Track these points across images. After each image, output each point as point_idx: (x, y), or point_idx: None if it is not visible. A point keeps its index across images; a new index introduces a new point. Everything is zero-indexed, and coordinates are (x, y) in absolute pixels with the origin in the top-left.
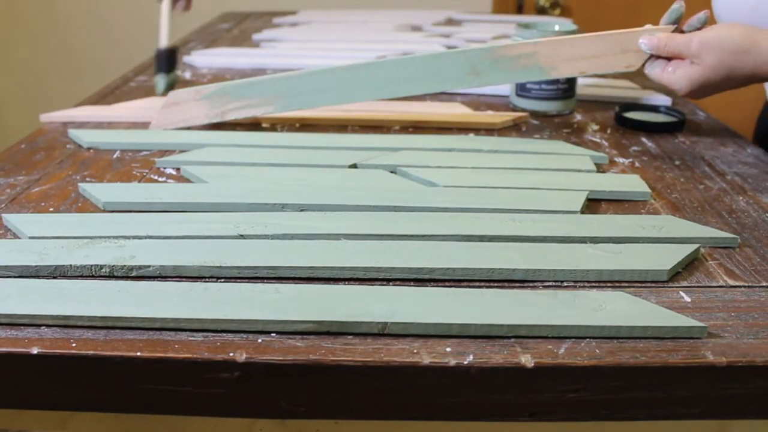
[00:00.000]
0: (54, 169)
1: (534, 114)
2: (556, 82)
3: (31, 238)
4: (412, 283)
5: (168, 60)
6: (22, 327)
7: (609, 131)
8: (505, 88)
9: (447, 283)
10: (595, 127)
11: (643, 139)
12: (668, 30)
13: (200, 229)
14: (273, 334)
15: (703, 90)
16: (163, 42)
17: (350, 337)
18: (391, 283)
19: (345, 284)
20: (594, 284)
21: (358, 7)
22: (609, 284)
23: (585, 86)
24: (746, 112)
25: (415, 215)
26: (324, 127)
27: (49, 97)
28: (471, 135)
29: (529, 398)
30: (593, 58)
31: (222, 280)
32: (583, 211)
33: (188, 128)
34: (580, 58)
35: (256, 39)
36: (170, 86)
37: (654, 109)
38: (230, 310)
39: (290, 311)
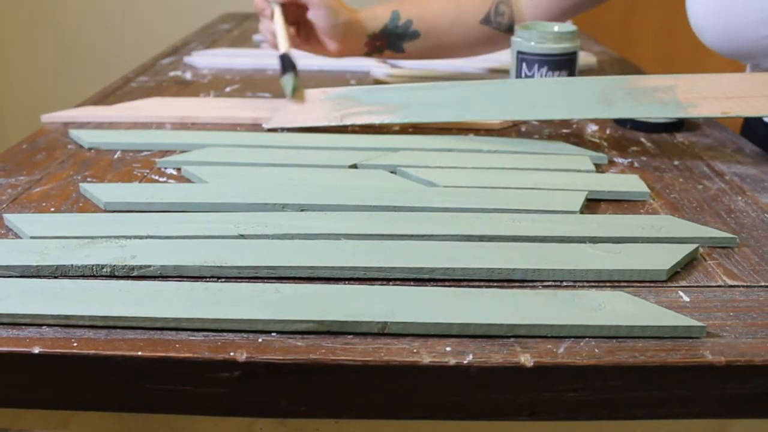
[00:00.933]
0: (55, 170)
1: None
2: None
3: (32, 238)
4: (412, 283)
5: (290, 61)
6: (23, 327)
7: (608, 131)
8: None
9: (447, 283)
10: (594, 128)
11: (642, 140)
12: None
13: (201, 229)
14: (273, 334)
15: None
16: (282, 47)
17: (350, 336)
18: (391, 283)
19: (345, 284)
20: (593, 284)
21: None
22: (608, 284)
23: None
24: None
25: (415, 215)
26: (324, 127)
27: (50, 98)
28: (471, 135)
29: (529, 397)
30: (739, 99)
31: (222, 279)
32: (582, 211)
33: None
34: (723, 97)
35: (256, 40)
36: (295, 87)
37: None
38: (231, 310)
39: (290, 311)
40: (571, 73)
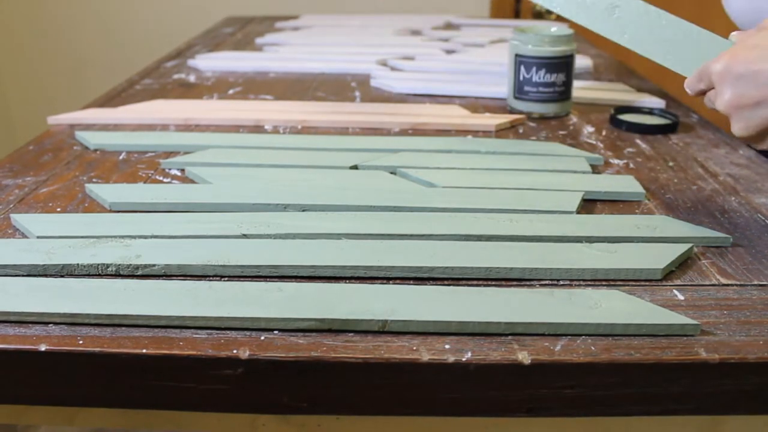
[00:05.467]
0: (61, 170)
1: (531, 116)
2: (553, 84)
3: (39, 237)
4: (411, 282)
5: None
6: (30, 324)
7: (604, 133)
8: (503, 91)
9: (446, 282)
10: (591, 129)
11: (638, 141)
12: None
13: (204, 229)
14: (275, 332)
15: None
16: None
17: (351, 334)
18: (391, 282)
19: (346, 283)
20: (589, 283)
21: (359, 12)
22: (604, 283)
23: (581, 89)
24: None
25: (414, 215)
26: (325, 129)
27: (56, 100)
28: (469, 137)
29: (527, 394)
30: None
31: (226, 278)
32: (578, 212)
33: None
34: None
35: (259, 43)
36: None
37: (648, 111)
38: (234, 308)
39: (292, 309)
40: (569, 75)
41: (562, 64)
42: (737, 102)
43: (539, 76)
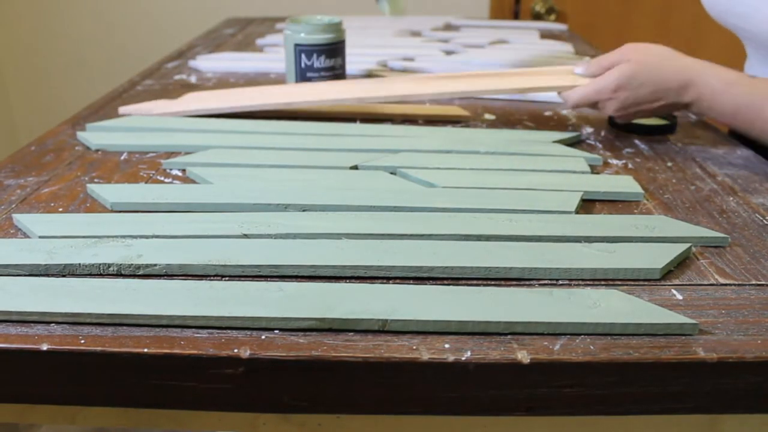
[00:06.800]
0: (63, 171)
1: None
2: (332, 69)
3: (40, 237)
4: (411, 282)
5: None
6: (32, 324)
7: (603, 134)
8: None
9: (445, 282)
10: (590, 130)
11: (636, 141)
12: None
13: (205, 229)
14: (276, 331)
15: (632, 91)
16: None
17: (351, 333)
18: (391, 282)
19: (346, 282)
20: (588, 282)
21: (359, 13)
22: (603, 282)
23: None
24: None
25: (414, 215)
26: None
27: (58, 101)
28: (468, 137)
29: (526, 393)
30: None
31: (226, 278)
32: (577, 212)
33: (196, 130)
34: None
35: (259, 44)
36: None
37: None
38: (234, 308)
39: (293, 309)
40: (343, 59)
41: (338, 50)
42: (626, 104)
43: (320, 61)
